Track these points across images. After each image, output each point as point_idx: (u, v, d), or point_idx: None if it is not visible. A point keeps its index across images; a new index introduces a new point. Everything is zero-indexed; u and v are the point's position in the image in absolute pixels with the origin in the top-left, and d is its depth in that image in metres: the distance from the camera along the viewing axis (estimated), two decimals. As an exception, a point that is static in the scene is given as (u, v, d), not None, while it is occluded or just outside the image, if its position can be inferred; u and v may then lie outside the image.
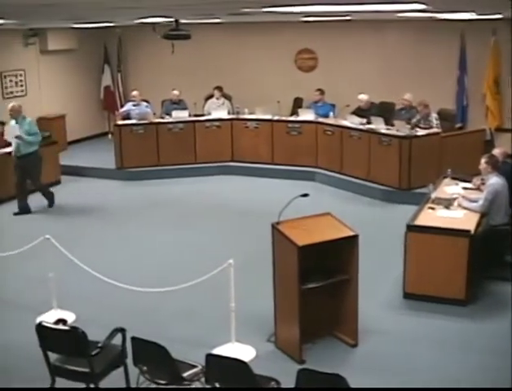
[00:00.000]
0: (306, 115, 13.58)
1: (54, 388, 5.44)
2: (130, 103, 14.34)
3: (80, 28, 14.68)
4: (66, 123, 16.19)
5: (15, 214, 11.38)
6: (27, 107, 15.06)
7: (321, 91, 13.85)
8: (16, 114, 11.38)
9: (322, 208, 6.96)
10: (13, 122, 11.34)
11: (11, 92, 15.17)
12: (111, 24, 14.15)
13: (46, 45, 15.64)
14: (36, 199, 11.72)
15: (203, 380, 5.07)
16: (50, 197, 11.89)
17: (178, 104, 14.39)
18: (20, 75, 15.40)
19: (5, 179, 11.98)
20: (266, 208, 9.07)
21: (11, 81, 15.16)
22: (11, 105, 11.57)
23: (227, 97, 14.69)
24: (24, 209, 11.48)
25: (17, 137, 11.14)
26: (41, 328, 5.37)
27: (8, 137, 11.45)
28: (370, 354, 6.43)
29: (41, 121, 15.59)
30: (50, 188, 12.08)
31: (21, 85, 15.44)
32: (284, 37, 15.35)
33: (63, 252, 7.39)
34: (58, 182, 13.42)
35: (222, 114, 14.15)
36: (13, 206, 11.55)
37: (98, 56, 17.32)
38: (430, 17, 12.02)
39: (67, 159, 14.36)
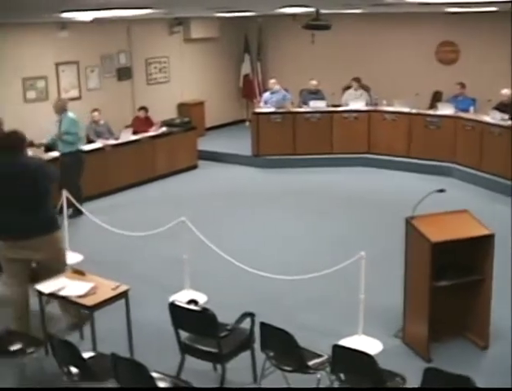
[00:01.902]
0: (446, 109, 13.24)
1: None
2: (268, 93, 14.51)
3: (222, 17, 14.96)
4: (205, 109, 16.60)
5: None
6: (169, 93, 15.68)
7: (462, 85, 13.45)
8: (59, 110, 10.75)
9: (458, 205, 6.78)
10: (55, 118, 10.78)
11: (155, 78, 15.71)
12: (252, 14, 14.33)
13: (189, 33, 16.07)
14: (161, 187, 12.03)
15: (328, 369, 5.09)
16: (76, 208, 9.93)
17: (316, 94, 14.40)
18: (164, 62, 15.91)
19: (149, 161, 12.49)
20: (400, 202, 8.97)
21: (155, 67, 15.70)
22: (55, 100, 11.43)
23: (366, 88, 14.54)
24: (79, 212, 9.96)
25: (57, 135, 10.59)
26: (173, 307, 5.56)
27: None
28: (501, 358, 6.20)
29: (182, 107, 16.13)
30: (81, 202, 10.04)
31: (165, 72, 15.95)
32: (424, 29, 15.00)
33: (197, 234, 7.59)
34: (195, 167, 13.83)
35: (360, 105, 14.04)
36: (153, 188, 11.95)
37: (238, 45, 17.60)
38: None
39: (205, 144, 14.73)
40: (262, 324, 5.29)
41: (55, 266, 6.59)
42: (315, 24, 10.51)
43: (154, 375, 4.71)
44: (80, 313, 6.46)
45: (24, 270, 6.56)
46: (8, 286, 6.56)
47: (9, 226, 6.36)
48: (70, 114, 10.80)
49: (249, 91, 17.57)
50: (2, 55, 12.42)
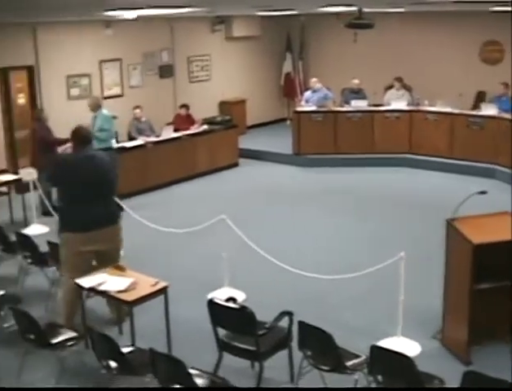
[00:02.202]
0: (489, 109, 13.07)
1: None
2: (309, 92, 14.49)
3: (264, 15, 14.98)
4: (246, 108, 16.63)
5: None
6: (211, 91, 15.76)
7: (506, 85, 13.26)
8: (93, 107, 10.98)
9: (500, 207, 6.71)
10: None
11: (197, 76, 15.80)
12: (294, 12, 14.32)
13: (231, 31, 16.13)
14: (201, 184, 12.08)
15: (365, 370, 5.07)
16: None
17: (358, 93, 14.33)
18: (206, 60, 15.99)
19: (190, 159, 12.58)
20: (441, 203, 8.89)
21: (197, 65, 15.78)
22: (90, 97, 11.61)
23: (408, 88, 14.42)
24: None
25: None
26: (212, 304, 5.59)
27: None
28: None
29: (223, 105, 16.19)
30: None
31: (206, 70, 16.04)
32: (468, 28, 14.82)
33: (237, 232, 7.62)
34: (236, 165, 13.87)
35: (402, 105, 13.93)
36: (194, 186, 12.02)
37: (280, 43, 17.60)
38: None
39: (246, 142, 14.78)
40: (300, 323, 5.28)
41: (115, 256, 6.78)
42: (358, 22, 10.47)
43: (191, 371, 4.74)
44: (122, 309, 6.54)
45: (88, 263, 6.68)
46: (66, 279, 6.62)
47: (86, 217, 6.48)
48: (104, 111, 11.01)
49: (290, 90, 17.57)
50: (47, 53, 12.63)
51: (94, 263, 6.78)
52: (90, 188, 6.48)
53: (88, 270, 6.49)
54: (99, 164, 6.63)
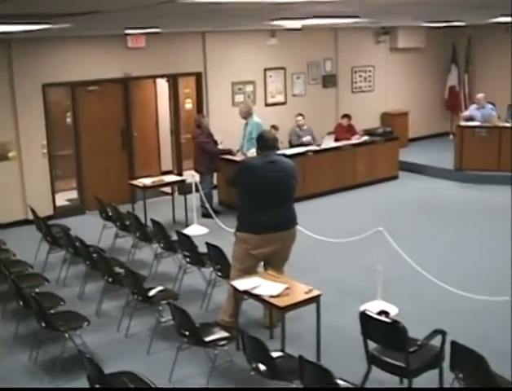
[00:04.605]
0: None
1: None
2: (474, 106, 14.04)
3: (429, 26, 14.70)
4: (408, 120, 16.38)
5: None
6: (373, 102, 15.68)
7: None
8: (245, 114, 11.49)
9: None
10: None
11: (360, 87, 15.77)
12: (461, 24, 13.95)
13: (395, 42, 15.96)
14: (360, 195, 11.96)
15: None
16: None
17: (526, 110, 13.74)
18: (369, 71, 15.91)
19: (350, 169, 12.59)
20: None
21: (360, 76, 15.74)
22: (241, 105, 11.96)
23: None
24: None
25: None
26: (364, 316, 5.54)
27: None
28: None
29: (385, 117, 16.07)
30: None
31: (369, 81, 15.96)
32: None
33: (393, 245, 7.53)
34: (395, 177, 13.70)
35: None
36: (352, 196, 11.97)
37: (445, 55, 17.18)
38: None
39: (406, 155, 14.57)
40: (454, 343, 5.12)
41: (284, 259, 7.01)
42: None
43: (339, 382, 4.73)
44: (274, 314, 6.65)
45: (256, 264, 6.91)
46: (233, 276, 6.80)
47: (265, 220, 6.69)
48: (255, 118, 11.39)
49: (454, 103, 17.11)
50: (214, 60, 13.07)
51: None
52: (271, 192, 6.68)
53: (254, 271, 6.71)
54: (282, 169, 6.79)
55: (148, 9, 5.24)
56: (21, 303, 6.83)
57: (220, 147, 11.44)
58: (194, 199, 10.81)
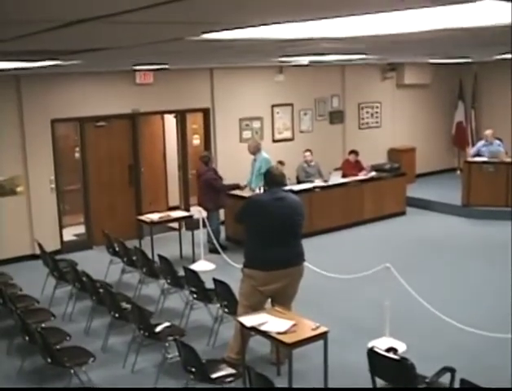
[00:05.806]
0: None
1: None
2: (481, 142, 14.05)
3: (436, 63, 14.77)
4: (416, 156, 16.39)
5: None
6: (380, 138, 15.72)
7: None
8: (254, 150, 11.61)
9: None
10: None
11: (367, 123, 15.81)
12: (467, 60, 14.01)
13: (402, 79, 16.05)
14: (367, 231, 11.93)
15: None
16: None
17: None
18: (376, 107, 15.98)
19: (357, 205, 12.57)
20: None
21: (367, 112, 15.80)
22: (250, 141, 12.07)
23: None
24: None
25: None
26: (372, 353, 5.49)
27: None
28: None
29: (392, 153, 16.10)
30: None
31: (376, 117, 16.01)
32: None
33: (400, 281, 7.48)
34: (403, 213, 13.67)
35: None
36: (360, 232, 11.94)
37: (451, 91, 17.25)
38: None
39: (414, 191, 14.56)
40: (463, 381, 5.07)
41: (291, 296, 6.96)
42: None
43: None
44: (281, 350, 6.59)
45: (263, 300, 6.85)
46: (240, 313, 6.75)
47: (272, 257, 6.68)
48: (264, 154, 11.46)
49: (461, 139, 17.13)
50: (222, 96, 13.15)
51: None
52: (278, 229, 6.66)
53: (262, 308, 6.66)
54: (289, 205, 6.79)
55: (157, 46, 5.28)
56: (27, 338, 6.80)
57: (225, 182, 11.48)
58: (201, 234, 10.80)
